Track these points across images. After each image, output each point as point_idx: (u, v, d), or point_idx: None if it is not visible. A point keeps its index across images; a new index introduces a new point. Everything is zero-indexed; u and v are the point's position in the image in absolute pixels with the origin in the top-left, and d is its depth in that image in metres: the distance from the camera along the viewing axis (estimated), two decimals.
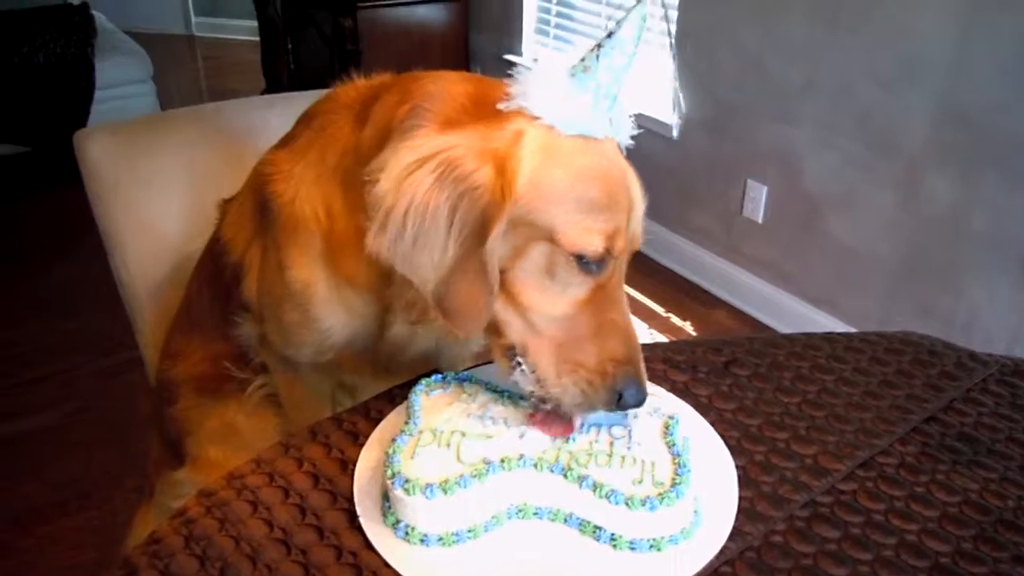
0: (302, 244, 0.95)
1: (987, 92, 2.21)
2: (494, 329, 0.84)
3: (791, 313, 2.89)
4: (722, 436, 0.89)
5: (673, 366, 1.01)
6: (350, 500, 0.81)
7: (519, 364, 0.82)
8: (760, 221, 2.95)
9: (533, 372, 0.81)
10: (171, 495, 1.26)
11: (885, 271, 2.60)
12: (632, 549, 0.75)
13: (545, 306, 0.80)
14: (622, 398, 0.78)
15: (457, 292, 0.78)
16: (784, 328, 2.91)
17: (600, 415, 0.82)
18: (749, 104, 2.88)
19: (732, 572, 0.75)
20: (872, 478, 0.85)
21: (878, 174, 2.53)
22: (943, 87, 2.30)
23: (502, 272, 0.80)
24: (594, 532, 0.76)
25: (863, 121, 2.53)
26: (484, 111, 0.82)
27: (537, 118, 0.79)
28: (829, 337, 1.06)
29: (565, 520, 0.78)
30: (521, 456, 0.78)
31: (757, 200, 2.93)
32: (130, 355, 1.75)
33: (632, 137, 0.85)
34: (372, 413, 0.94)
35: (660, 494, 0.74)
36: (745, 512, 0.80)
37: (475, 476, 0.76)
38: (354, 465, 0.85)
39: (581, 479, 0.76)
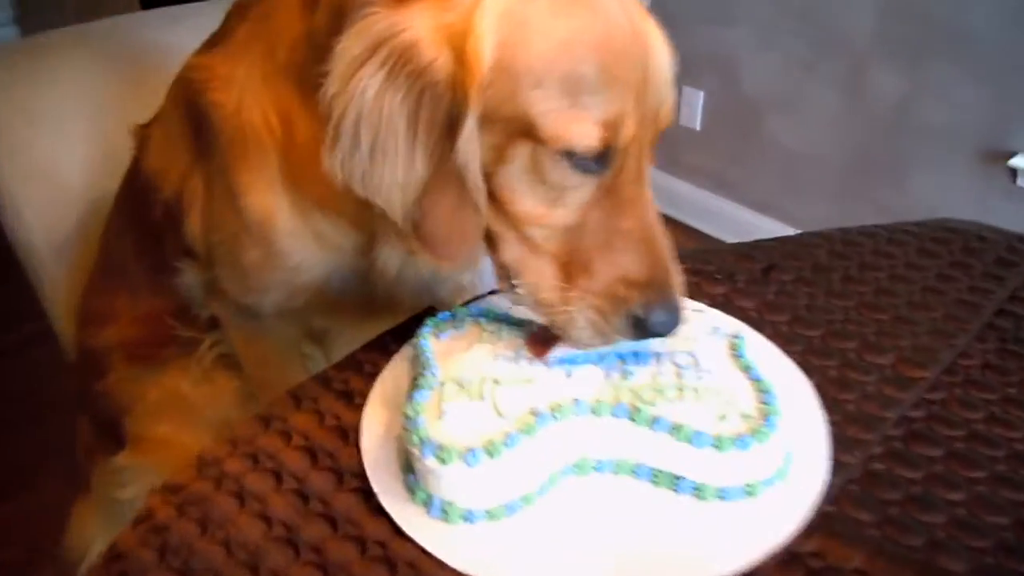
0: (256, 163, 0.76)
1: None
2: (490, 243, 0.70)
3: (736, 221, 2.81)
4: (784, 352, 0.76)
5: (706, 277, 0.87)
6: (362, 477, 0.65)
7: (516, 287, 0.68)
8: (698, 129, 2.84)
9: (532, 298, 0.67)
10: (113, 484, 1.07)
11: (833, 172, 2.53)
12: (722, 498, 0.62)
13: (539, 216, 0.65)
14: (644, 324, 0.64)
15: (436, 214, 0.64)
16: (729, 237, 2.83)
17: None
18: (681, 5, 2.73)
19: (838, 512, 0.63)
20: (959, 383, 0.74)
21: (822, 72, 2.43)
22: None
23: (488, 177, 0.64)
24: (672, 483, 0.63)
25: (804, 18, 2.42)
26: None
27: None
28: (867, 231, 0.95)
29: (633, 471, 0.64)
30: (575, 400, 0.63)
31: (694, 107, 2.81)
32: (35, 327, 1.51)
33: None
34: (365, 367, 0.77)
35: (752, 429, 0.61)
36: (835, 439, 0.68)
37: (524, 431, 0.60)
38: (356, 433, 0.69)
39: (653, 421, 0.62)
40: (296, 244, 0.79)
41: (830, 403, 0.71)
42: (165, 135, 0.90)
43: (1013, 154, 2.07)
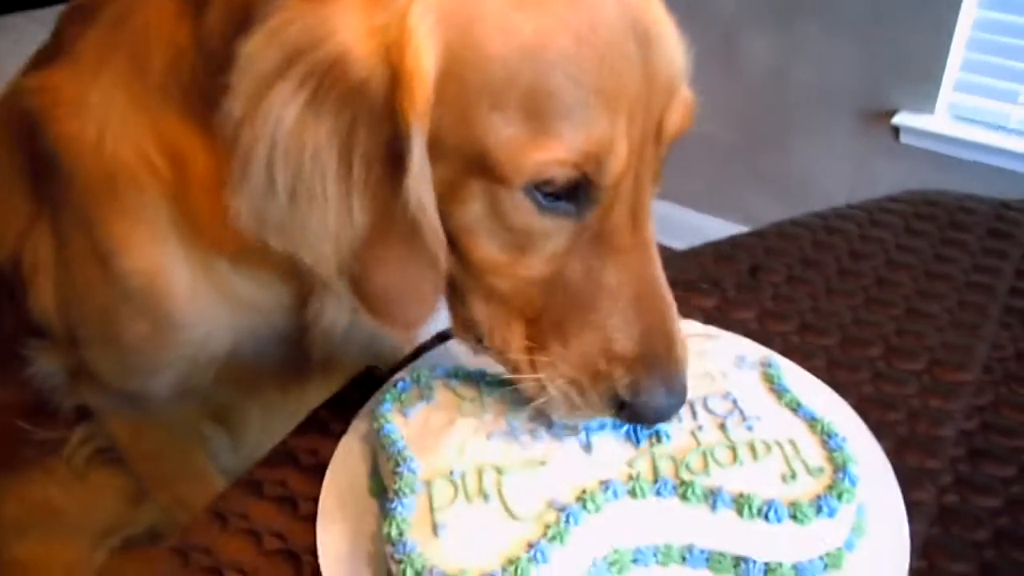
0: (133, 211, 0.58)
1: None
2: (451, 293, 0.54)
3: None
4: (807, 369, 0.64)
5: (690, 288, 0.74)
6: None
7: (483, 345, 0.54)
8: None
9: (500, 358, 0.53)
10: None
11: (713, 144, 2.48)
12: None
13: (504, 266, 0.50)
14: (632, 408, 0.49)
15: (382, 270, 0.49)
16: None
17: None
18: None
19: (931, 569, 0.51)
20: (1001, 380, 0.65)
21: (693, 45, 2.38)
22: None
23: (442, 216, 0.49)
24: (736, 567, 0.49)
25: None
26: None
27: None
28: (844, 213, 0.85)
29: (683, 559, 0.50)
30: (606, 483, 0.49)
31: None
32: None
33: None
34: (303, 459, 0.60)
35: (830, 487, 0.49)
36: (898, 472, 0.57)
37: (553, 539, 0.46)
38: (312, 558, 0.52)
39: (710, 495, 0.48)
40: (199, 310, 0.61)
41: (877, 426, 0.60)
42: None
43: (895, 112, 2.07)
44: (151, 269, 0.59)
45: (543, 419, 0.53)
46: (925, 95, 2.04)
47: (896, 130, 2.10)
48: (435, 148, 0.46)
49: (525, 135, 0.45)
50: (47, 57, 0.64)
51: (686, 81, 0.50)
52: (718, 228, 2.36)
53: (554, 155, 0.45)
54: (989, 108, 1.94)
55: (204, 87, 0.54)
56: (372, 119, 0.45)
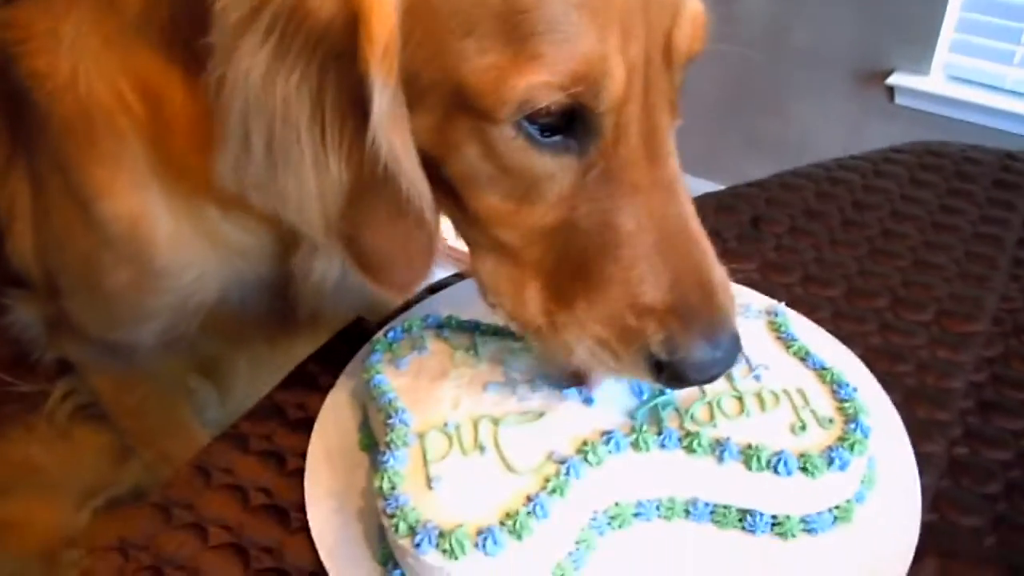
0: (112, 154, 0.55)
1: None
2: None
3: None
4: (813, 320, 0.62)
5: None
6: None
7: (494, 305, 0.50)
8: None
9: (515, 322, 0.49)
10: None
11: (708, 106, 2.45)
12: (811, 532, 0.47)
13: (507, 216, 0.46)
14: (671, 368, 0.44)
15: (371, 230, 0.46)
16: None
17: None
18: None
19: (943, 522, 0.50)
20: (1011, 331, 0.63)
21: None
22: None
23: (441, 166, 0.46)
24: (742, 520, 0.48)
25: None
26: None
27: None
28: (847, 164, 0.83)
29: (687, 512, 0.48)
30: (607, 435, 0.47)
31: None
32: None
33: None
34: (290, 413, 0.58)
35: (841, 439, 0.47)
36: (907, 424, 0.55)
37: (553, 492, 0.44)
38: (301, 515, 0.50)
39: (717, 447, 0.46)
40: (183, 256, 0.58)
41: (884, 378, 0.58)
42: None
43: (890, 72, 2.04)
44: (133, 213, 0.56)
45: (539, 373, 0.51)
46: (920, 56, 2.01)
47: (891, 91, 2.07)
48: (414, 89, 0.43)
49: (504, 60, 0.40)
50: None
51: None
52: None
53: (540, 78, 0.40)
54: (985, 69, 1.91)
55: (182, 27, 0.51)
56: (340, 63, 0.41)
